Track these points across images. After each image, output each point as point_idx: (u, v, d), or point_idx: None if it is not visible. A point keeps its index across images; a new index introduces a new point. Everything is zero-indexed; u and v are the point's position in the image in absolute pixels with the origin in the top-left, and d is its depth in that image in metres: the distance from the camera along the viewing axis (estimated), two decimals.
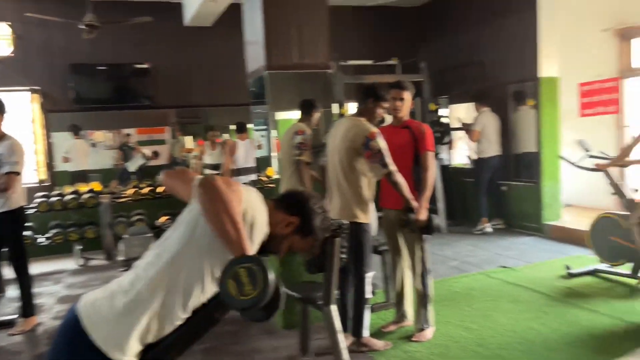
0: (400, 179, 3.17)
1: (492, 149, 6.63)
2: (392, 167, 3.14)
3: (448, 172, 7.41)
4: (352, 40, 8.00)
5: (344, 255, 2.88)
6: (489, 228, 6.63)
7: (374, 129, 3.18)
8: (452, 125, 7.31)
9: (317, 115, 4.39)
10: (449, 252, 5.78)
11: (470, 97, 6.84)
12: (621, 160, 4.41)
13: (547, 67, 6.24)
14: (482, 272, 4.98)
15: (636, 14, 6.46)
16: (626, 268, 4.40)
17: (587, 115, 6.99)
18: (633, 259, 4.32)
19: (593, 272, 4.62)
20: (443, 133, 7.18)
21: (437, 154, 7.06)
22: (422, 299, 3.53)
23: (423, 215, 3.28)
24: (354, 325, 3.35)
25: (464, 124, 6.89)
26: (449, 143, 7.37)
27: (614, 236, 4.47)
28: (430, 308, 3.54)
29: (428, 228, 3.35)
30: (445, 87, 7.57)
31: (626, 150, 4.35)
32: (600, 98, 6.81)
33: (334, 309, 2.86)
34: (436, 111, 7.28)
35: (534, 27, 6.23)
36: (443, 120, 7.29)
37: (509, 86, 6.73)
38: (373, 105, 3.25)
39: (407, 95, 3.44)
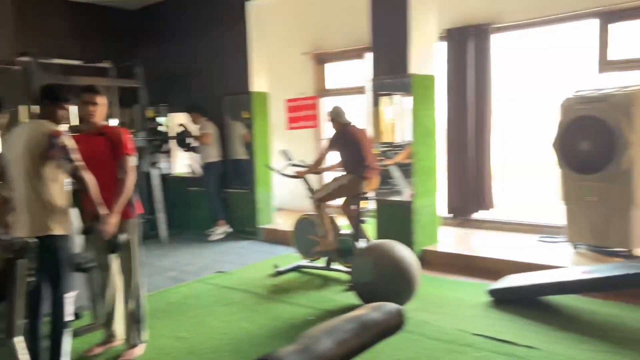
0: (87, 176, 2.95)
1: (217, 154, 6.86)
2: (79, 162, 2.92)
3: (169, 182, 7.32)
4: (62, 37, 7.22)
5: (32, 278, 2.54)
6: (228, 229, 6.84)
7: (58, 128, 2.93)
8: (172, 134, 7.26)
9: (2, 118, 3.77)
10: (167, 263, 5.70)
11: (188, 107, 6.92)
12: (315, 168, 5.06)
13: (257, 82, 6.76)
14: (199, 279, 5.06)
15: (327, 42, 7.55)
16: (321, 262, 5.07)
17: (293, 128, 7.83)
18: (326, 253, 4.99)
19: (297, 269, 5.18)
20: (162, 141, 7.07)
21: (155, 163, 6.93)
22: (134, 316, 3.38)
23: (111, 224, 3.10)
24: (51, 354, 2.98)
25: (180, 133, 6.92)
26: (168, 152, 7.30)
27: (311, 234, 5.09)
28: (143, 324, 3.41)
29: (113, 243, 3.14)
30: (165, 95, 7.48)
31: (318, 160, 5.01)
32: (303, 113, 7.72)
33: (18, 341, 2.48)
34: (154, 119, 7.13)
35: (245, 44, 6.68)
36: (161, 128, 7.18)
37: (225, 98, 7.03)
38: (52, 107, 2.98)
39: (101, 100, 3.26)
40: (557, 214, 5.30)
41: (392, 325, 1.62)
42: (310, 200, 4.94)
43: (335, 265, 4.94)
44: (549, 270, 4.16)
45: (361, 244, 4.65)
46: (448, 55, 6.26)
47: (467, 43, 6.11)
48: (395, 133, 5.63)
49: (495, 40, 6.10)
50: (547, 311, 3.86)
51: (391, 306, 1.65)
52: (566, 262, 4.58)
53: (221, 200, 6.96)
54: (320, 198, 4.86)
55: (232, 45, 6.85)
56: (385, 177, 5.37)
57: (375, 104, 5.51)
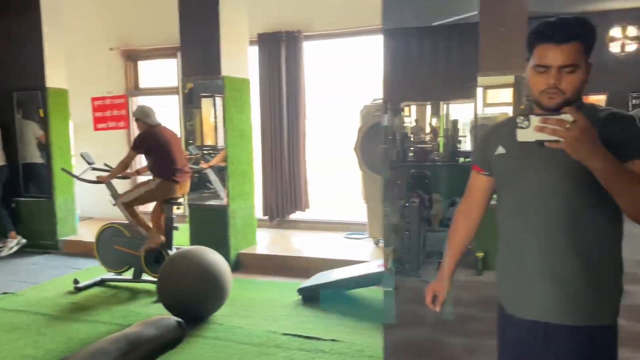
0: None
1: (0, 157, 5.95)
2: None
3: None
4: None
5: None
6: (21, 240, 5.98)
7: None
8: None
9: None
10: None
11: None
12: (120, 172, 4.67)
13: (54, 77, 6.03)
14: None
15: (138, 38, 7.10)
16: (129, 274, 4.71)
17: (101, 130, 7.20)
18: (134, 264, 4.65)
19: (100, 283, 4.73)
20: None
21: None
22: None
23: None
24: None
25: None
26: None
27: (118, 245, 4.70)
28: None
29: None
30: None
31: (123, 163, 4.63)
32: (111, 113, 7.15)
33: None
34: None
35: (38, 34, 5.92)
36: None
37: (15, 93, 6.15)
38: None
39: None
40: (361, 212, 5.71)
41: (170, 339, 1.52)
42: (117, 206, 4.53)
43: (144, 276, 4.62)
44: (352, 266, 4.42)
45: (172, 252, 4.43)
46: (261, 59, 6.34)
47: (280, 48, 6.25)
48: (217, 136, 5.51)
49: (308, 47, 6.34)
50: (350, 304, 4.11)
51: (169, 320, 1.55)
52: (368, 257, 4.95)
53: (7, 209, 6.06)
54: (126, 203, 4.49)
55: (23, 34, 6.01)
56: (204, 181, 5.21)
57: (194, 104, 5.33)
